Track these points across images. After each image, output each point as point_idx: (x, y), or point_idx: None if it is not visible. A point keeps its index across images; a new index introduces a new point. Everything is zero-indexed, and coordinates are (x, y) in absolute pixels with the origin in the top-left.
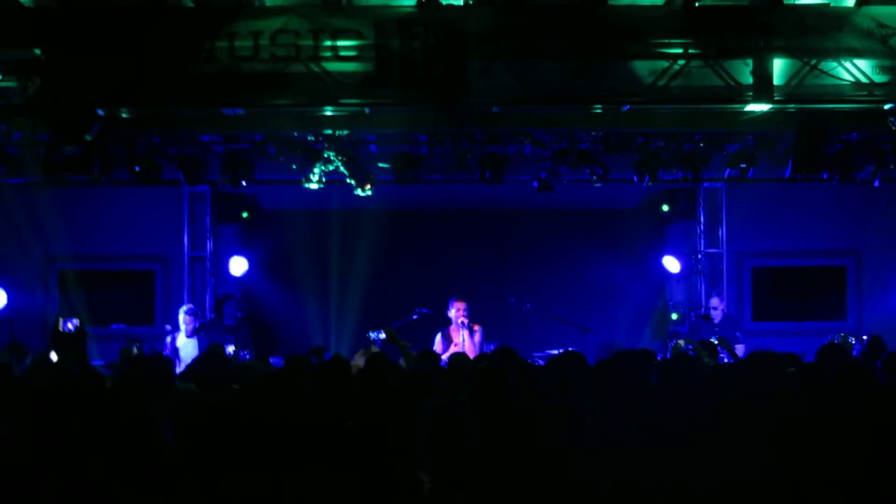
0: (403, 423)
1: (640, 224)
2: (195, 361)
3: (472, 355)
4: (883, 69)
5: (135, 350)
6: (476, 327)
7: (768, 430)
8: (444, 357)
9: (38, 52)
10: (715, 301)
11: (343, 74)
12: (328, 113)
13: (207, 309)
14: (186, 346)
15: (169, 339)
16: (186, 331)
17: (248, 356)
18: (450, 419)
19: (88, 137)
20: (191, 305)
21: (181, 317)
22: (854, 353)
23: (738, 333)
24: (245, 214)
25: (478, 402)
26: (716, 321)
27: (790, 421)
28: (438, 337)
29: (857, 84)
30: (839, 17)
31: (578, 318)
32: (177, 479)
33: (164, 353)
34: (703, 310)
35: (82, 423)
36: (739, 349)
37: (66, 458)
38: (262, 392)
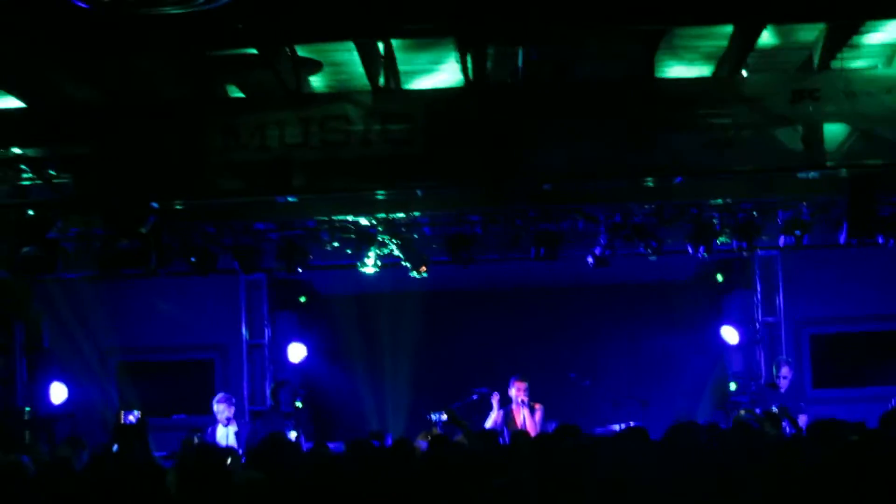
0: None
1: (696, 295)
2: (259, 447)
3: (533, 433)
4: None
5: (196, 440)
6: (537, 406)
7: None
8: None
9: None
10: (785, 370)
11: (395, 157)
12: (380, 196)
13: (267, 396)
14: (226, 437)
15: (209, 431)
16: (222, 420)
17: (308, 442)
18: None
19: (143, 230)
20: (223, 393)
21: (215, 407)
22: None
23: (801, 403)
24: (303, 299)
25: (550, 480)
26: (783, 390)
27: (853, 488)
28: (500, 415)
29: None
30: (887, 80)
31: (638, 391)
32: None
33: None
34: (763, 379)
35: None
36: (802, 419)
37: None
38: (331, 478)
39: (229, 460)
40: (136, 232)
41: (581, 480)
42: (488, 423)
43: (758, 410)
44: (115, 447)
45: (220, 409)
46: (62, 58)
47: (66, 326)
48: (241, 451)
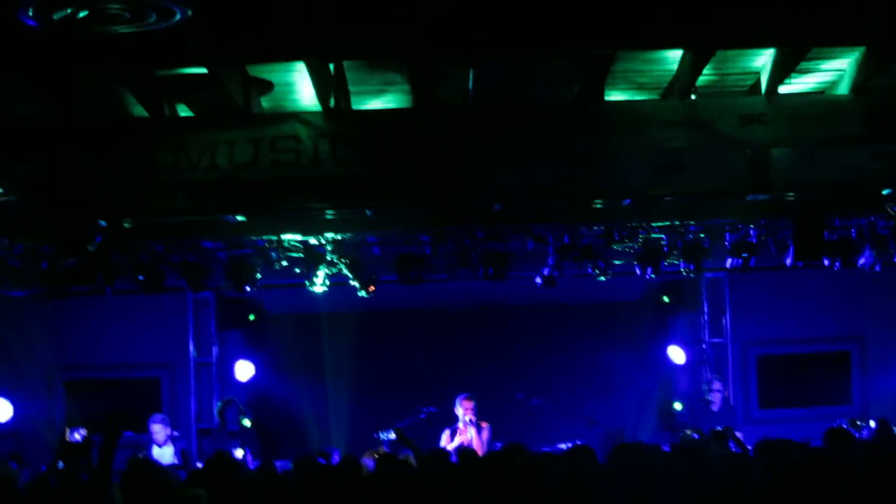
0: None
1: (644, 315)
2: (204, 466)
3: (480, 453)
4: (879, 155)
5: (141, 458)
6: (484, 424)
7: None
8: (450, 448)
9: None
10: (717, 384)
11: (344, 177)
12: (330, 216)
13: (214, 415)
14: (163, 456)
15: (145, 452)
16: (158, 440)
17: (255, 460)
18: None
19: (91, 248)
20: (159, 414)
21: (151, 427)
22: (863, 436)
23: (736, 422)
24: (252, 317)
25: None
26: (714, 408)
27: None
28: (446, 434)
29: (854, 170)
30: (834, 105)
31: (586, 410)
32: None
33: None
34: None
35: None
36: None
37: None
38: (277, 496)
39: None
40: (84, 250)
41: (528, 499)
42: (451, 445)
43: (705, 430)
44: (61, 465)
45: (157, 429)
46: (10, 76)
47: (12, 344)
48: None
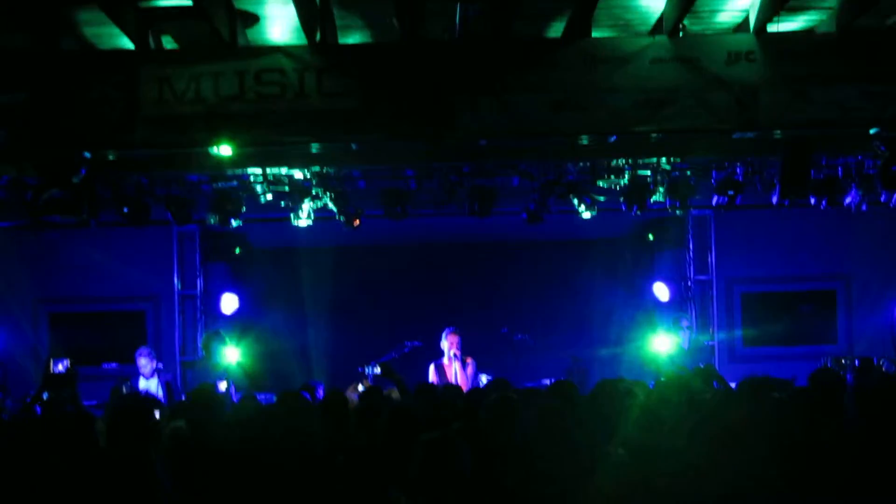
0: (398, 457)
1: (630, 252)
2: (187, 398)
3: (465, 387)
4: (868, 94)
5: (124, 389)
6: (469, 360)
7: (759, 454)
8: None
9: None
10: (684, 322)
11: (330, 111)
12: (315, 150)
13: (198, 347)
14: (149, 389)
15: (129, 384)
16: (144, 373)
17: (238, 393)
18: (444, 452)
19: (75, 180)
20: (146, 347)
21: (138, 360)
22: (847, 375)
23: (701, 358)
24: (237, 250)
25: (482, 433)
26: (684, 345)
27: (782, 445)
28: (431, 368)
29: (842, 108)
30: (823, 43)
31: (570, 346)
32: None
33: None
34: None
35: (73, 465)
36: None
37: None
38: (257, 430)
39: (157, 413)
40: (68, 182)
41: (511, 433)
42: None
43: (689, 368)
44: (45, 395)
45: (143, 362)
46: None
47: None
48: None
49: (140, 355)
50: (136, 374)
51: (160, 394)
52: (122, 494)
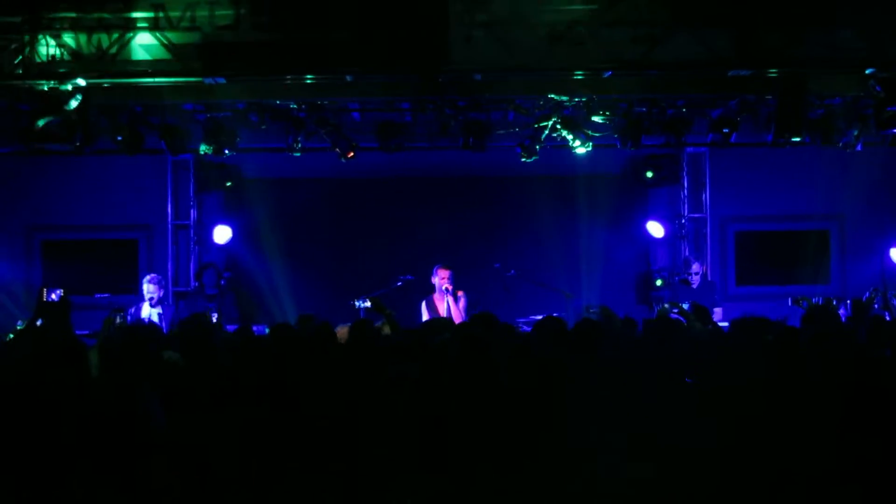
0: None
1: (624, 189)
2: (179, 329)
3: (458, 321)
4: (863, 34)
5: (118, 319)
6: (460, 293)
7: (745, 393)
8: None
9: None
10: (696, 266)
11: (325, 42)
12: (310, 81)
13: (192, 277)
14: (152, 317)
15: (133, 309)
16: (151, 301)
17: (230, 325)
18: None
19: (69, 107)
20: (155, 274)
21: (145, 286)
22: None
23: (716, 297)
24: (229, 184)
25: (456, 368)
26: (694, 286)
27: (767, 384)
28: (423, 304)
29: (838, 48)
30: None
31: (563, 283)
32: (163, 453)
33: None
34: (677, 277)
35: (66, 395)
36: (717, 313)
37: (48, 430)
38: (248, 360)
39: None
40: (62, 109)
41: (494, 364)
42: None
43: (686, 305)
44: (40, 323)
45: (151, 288)
46: None
47: None
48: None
49: (149, 282)
50: (133, 301)
51: (162, 324)
52: (113, 424)
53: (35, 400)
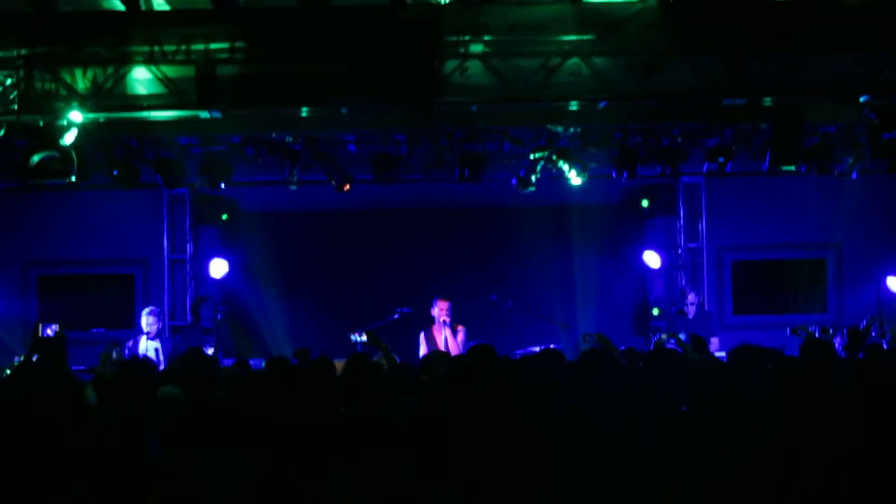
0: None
1: (620, 220)
2: (177, 363)
3: (454, 354)
4: (858, 62)
5: (114, 354)
6: (459, 327)
7: (745, 424)
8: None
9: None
10: (691, 297)
11: (319, 75)
12: (305, 114)
13: (188, 311)
14: (150, 350)
15: (130, 343)
16: (149, 333)
17: (227, 359)
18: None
19: (64, 143)
20: (154, 307)
21: (144, 319)
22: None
23: (713, 328)
24: (224, 217)
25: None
26: (689, 316)
27: (768, 416)
28: (422, 337)
29: (832, 77)
30: (814, 12)
31: (560, 314)
32: (161, 486)
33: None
34: (674, 307)
35: (63, 431)
36: (714, 343)
37: (46, 467)
38: (246, 395)
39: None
40: (58, 144)
41: (492, 400)
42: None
43: (682, 335)
44: (36, 358)
45: (150, 321)
46: None
47: None
48: (162, 367)
49: (149, 314)
50: (130, 336)
51: (160, 357)
52: (111, 457)
53: (31, 434)
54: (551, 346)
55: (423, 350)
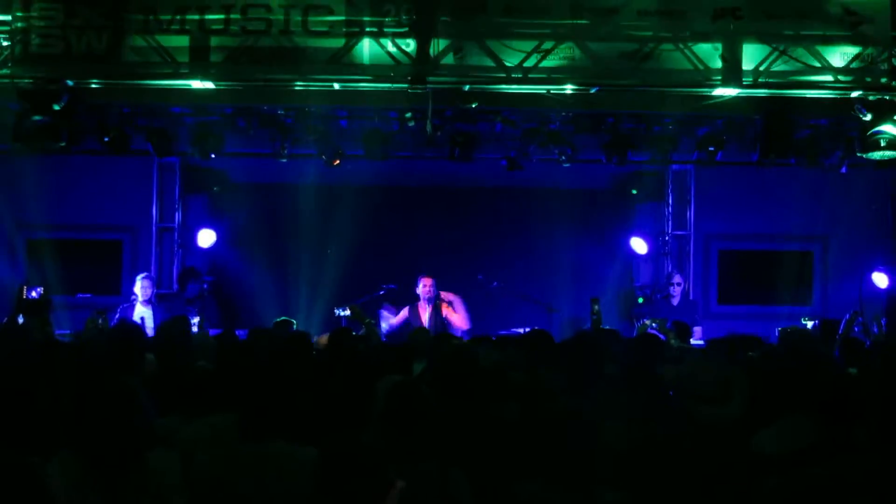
0: (361, 399)
1: (609, 205)
2: (158, 331)
3: (464, 325)
4: (850, 56)
5: (100, 321)
6: (453, 297)
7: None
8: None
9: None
10: (677, 277)
11: (313, 50)
12: (298, 87)
13: (174, 280)
14: (147, 317)
15: (123, 307)
16: (142, 299)
17: (213, 329)
18: (404, 398)
19: (57, 107)
20: (148, 273)
21: (138, 283)
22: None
23: (696, 317)
24: (216, 188)
25: (441, 379)
26: (675, 301)
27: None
28: (405, 310)
29: (825, 71)
30: (809, 4)
31: (546, 296)
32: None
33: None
34: (659, 294)
35: (50, 393)
36: (696, 332)
37: (36, 428)
38: (222, 365)
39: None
40: (51, 108)
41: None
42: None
43: (668, 324)
44: (20, 319)
45: (145, 284)
46: None
47: None
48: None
49: (143, 279)
50: (116, 302)
51: (150, 324)
52: (107, 425)
53: (21, 393)
54: (535, 327)
55: (392, 320)
